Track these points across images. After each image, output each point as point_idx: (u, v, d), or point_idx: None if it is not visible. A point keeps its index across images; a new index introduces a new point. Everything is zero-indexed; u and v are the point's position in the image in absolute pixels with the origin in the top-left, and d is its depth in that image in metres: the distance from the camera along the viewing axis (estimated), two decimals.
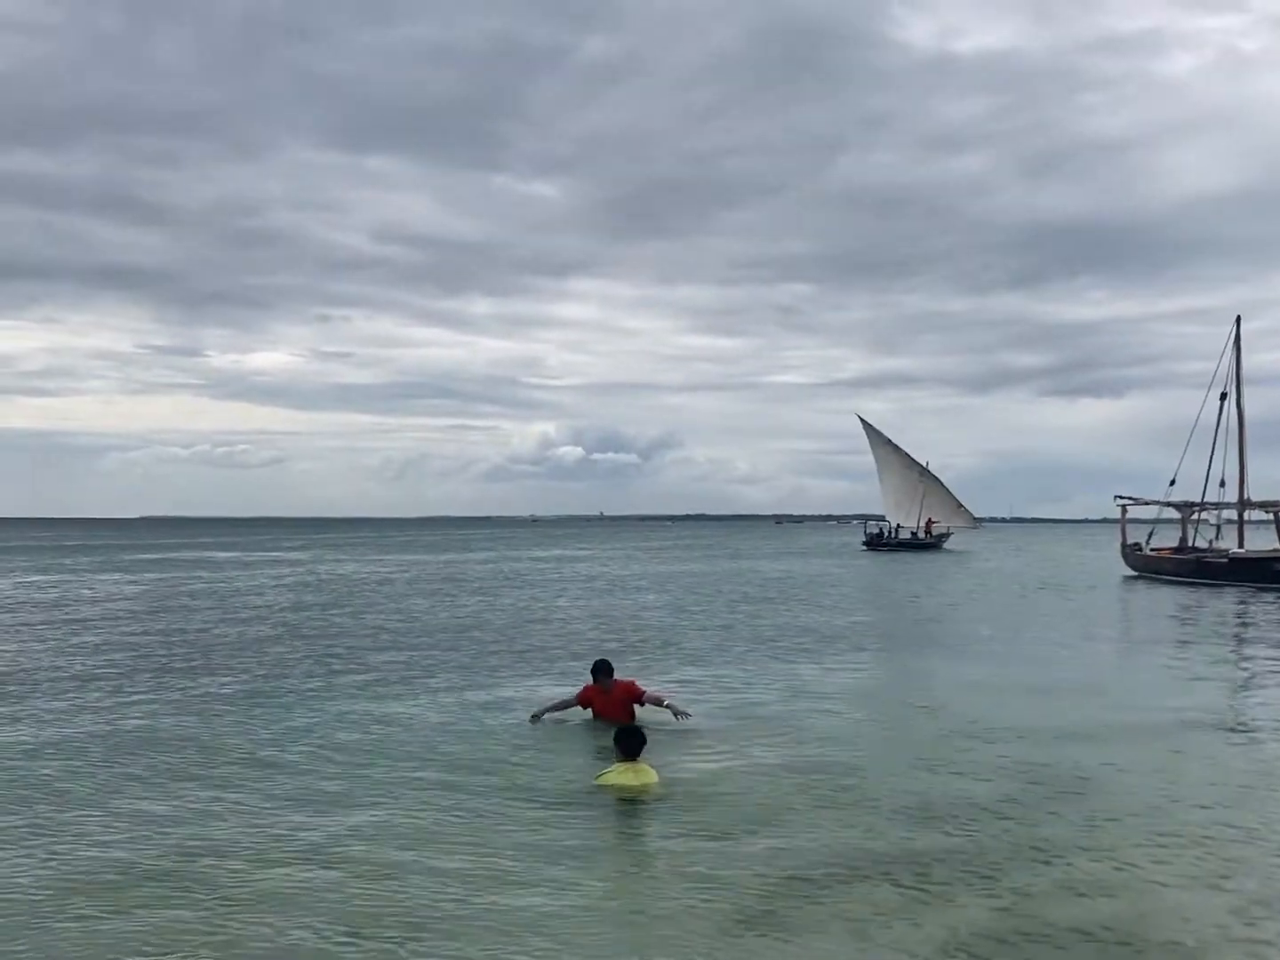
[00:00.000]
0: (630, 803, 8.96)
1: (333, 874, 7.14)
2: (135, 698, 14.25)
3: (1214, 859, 7.49)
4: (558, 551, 74.83)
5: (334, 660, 17.97)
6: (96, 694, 14.53)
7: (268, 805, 8.88)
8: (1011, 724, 12.02)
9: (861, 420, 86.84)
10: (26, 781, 9.72)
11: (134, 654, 18.91)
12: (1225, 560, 38.53)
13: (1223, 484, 40.95)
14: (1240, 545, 40.38)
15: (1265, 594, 32.91)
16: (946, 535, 79.59)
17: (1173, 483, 43.42)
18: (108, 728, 12.15)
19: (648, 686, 12.44)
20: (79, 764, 10.39)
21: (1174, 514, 45.31)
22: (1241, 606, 29.50)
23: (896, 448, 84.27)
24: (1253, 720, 13.19)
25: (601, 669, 12.24)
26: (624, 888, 7.04)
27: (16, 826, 8.29)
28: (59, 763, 10.44)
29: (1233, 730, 12.43)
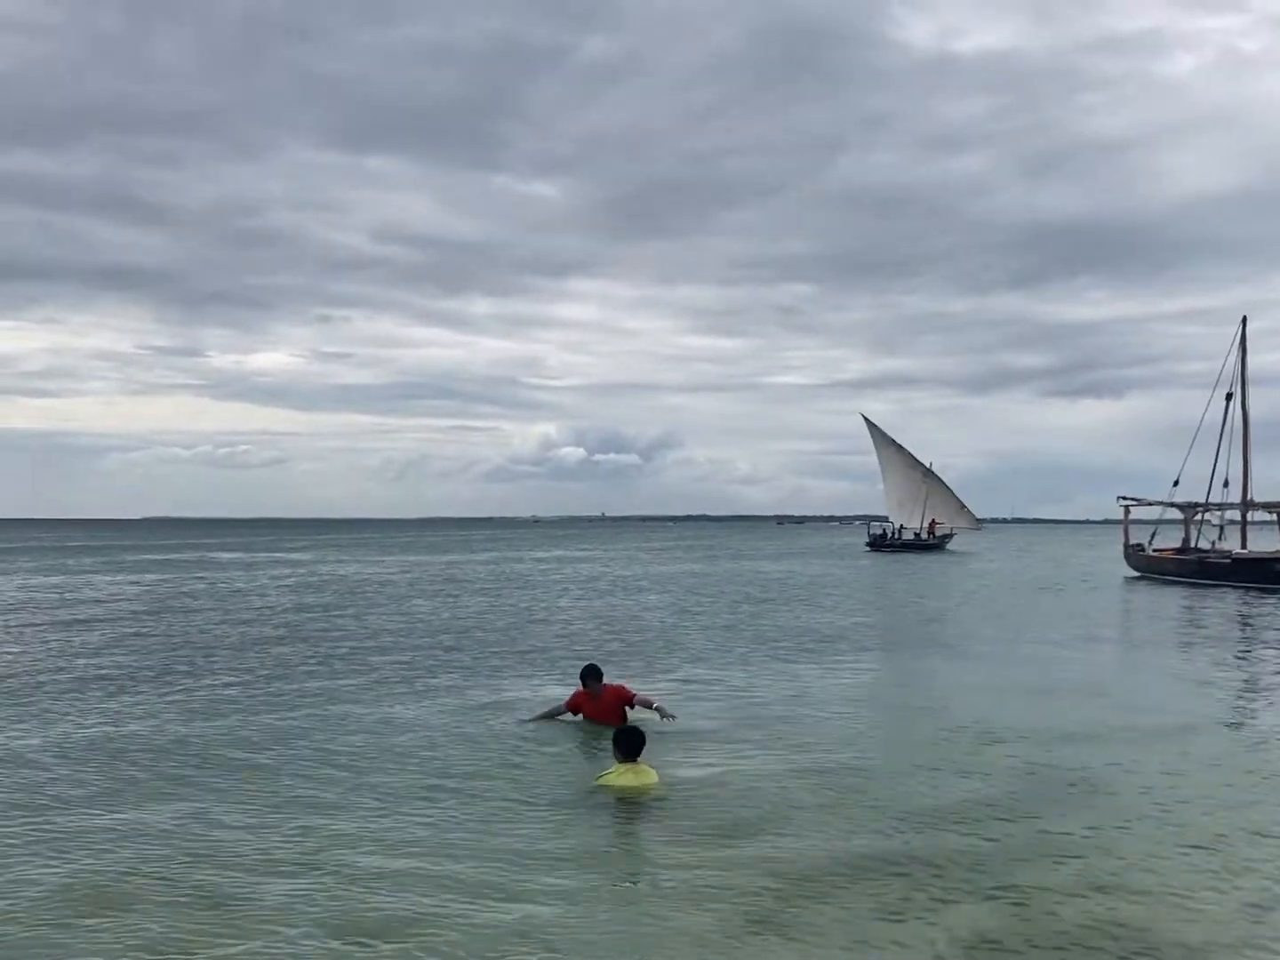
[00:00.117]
0: (631, 803, 8.93)
1: (334, 879, 7.11)
2: (137, 699, 14.23)
3: (1222, 859, 7.47)
4: (559, 552, 74.82)
5: (336, 661, 17.96)
6: (99, 695, 14.52)
7: (270, 810, 8.85)
8: (1015, 725, 11.99)
9: (865, 420, 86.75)
10: (29, 784, 9.70)
11: (136, 655, 18.90)
12: (1228, 561, 38.47)
13: (1226, 484, 40.93)
14: (1243, 546, 40.33)
15: (1268, 595, 32.85)
16: (950, 536, 79.54)
17: (1176, 483, 43.42)
18: (110, 731, 12.13)
19: (637, 690, 12.41)
20: (81, 767, 10.38)
21: (1177, 514, 45.25)
22: (1244, 607, 29.45)
23: (900, 448, 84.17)
24: (1258, 721, 13.17)
25: (591, 674, 12.19)
26: (626, 889, 7.02)
27: (19, 830, 8.27)
28: (61, 766, 10.42)
29: (1238, 731, 12.40)
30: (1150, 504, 46.46)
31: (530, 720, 12.30)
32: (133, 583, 40.14)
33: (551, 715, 12.32)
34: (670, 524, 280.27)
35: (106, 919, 6.45)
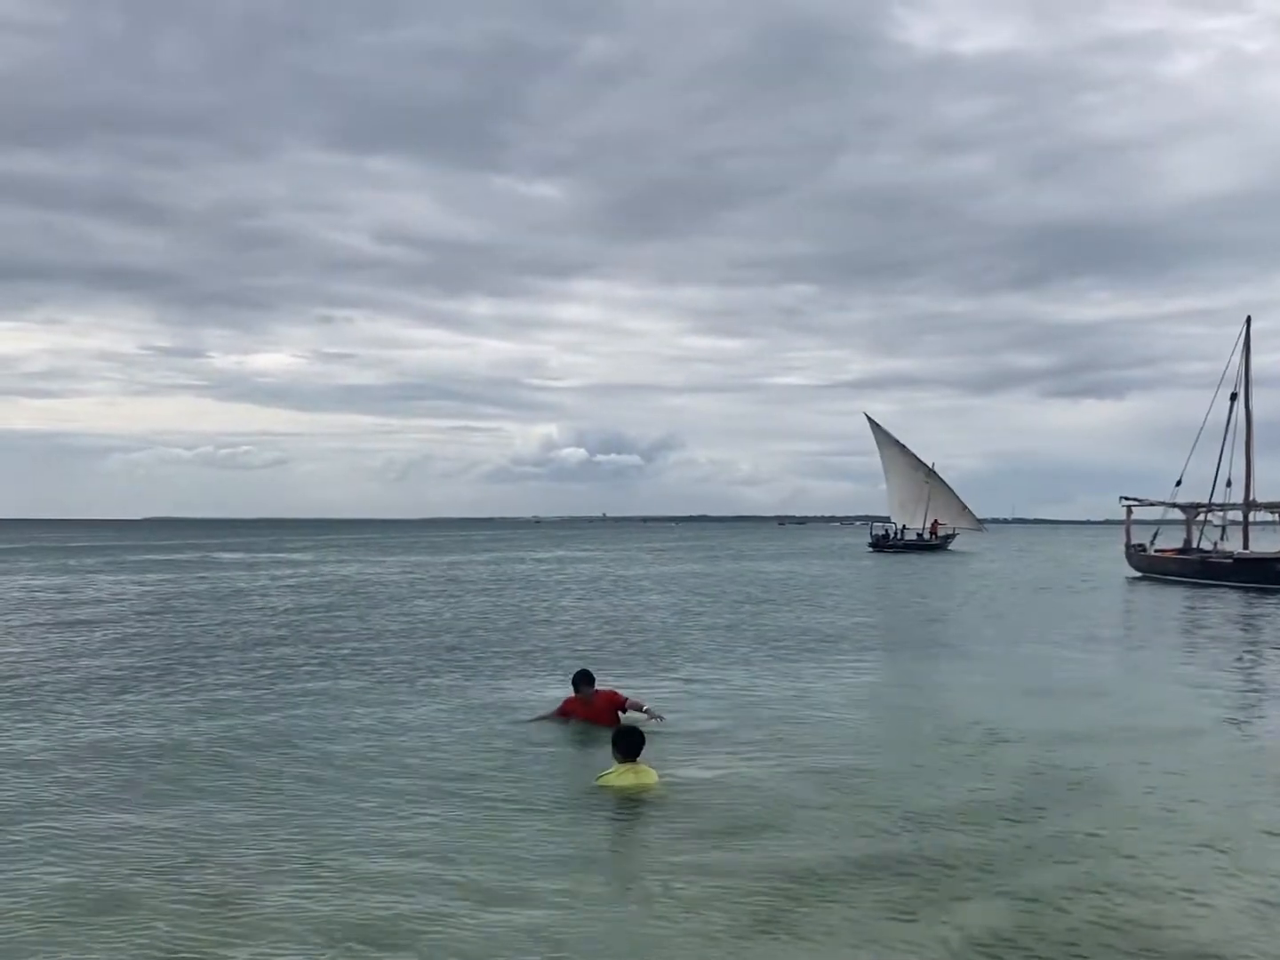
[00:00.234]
0: (633, 804, 8.92)
1: (337, 880, 7.10)
2: (140, 700, 14.24)
3: (1229, 858, 7.46)
4: (561, 552, 74.80)
5: (338, 662, 17.96)
6: (102, 696, 14.52)
7: (273, 810, 8.86)
8: (1019, 726, 11.96)
9: (869, 419, 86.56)
10: (32, 785, 9.70)
11: (139, 656, 18.90)
12: (1230, 561, 38.44)
13: (1229, 484, 40.88)
14: (1245, 546, 40.29)
15: (1270, 595, 32.82)
16: (952, 536, 79.47)
17: (1179, 483, 43.36)
18: (113, 731, 12.13)
19: (628, 694, 12.40)
20: (84, 768, 10.37)
21: (1178, 515, 45.21)
22: (1246, 608, 29.42)
23: (904, 448, 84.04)
24: (1261, 721, 13.15)
25: (583, 679, 12.25)
26: (631, 890, 7.00)
27: (23, 831, 8.27)
28: (64, 767, 10.42)
29: (1241, 732, 12.37)
30: (1153, 504, 46.41)
31: (526, 722, 12.32)
32: (135, 583, 40.15)
33: (543, 721, 12.33)
34: (673, 524, 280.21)
35: (111, 921, 6.44)
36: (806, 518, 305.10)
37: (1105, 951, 5.97)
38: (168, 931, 6.26)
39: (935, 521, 79.06)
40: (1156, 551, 44.96)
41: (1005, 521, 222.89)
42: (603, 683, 12.73)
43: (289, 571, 48.23)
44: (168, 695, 14.54)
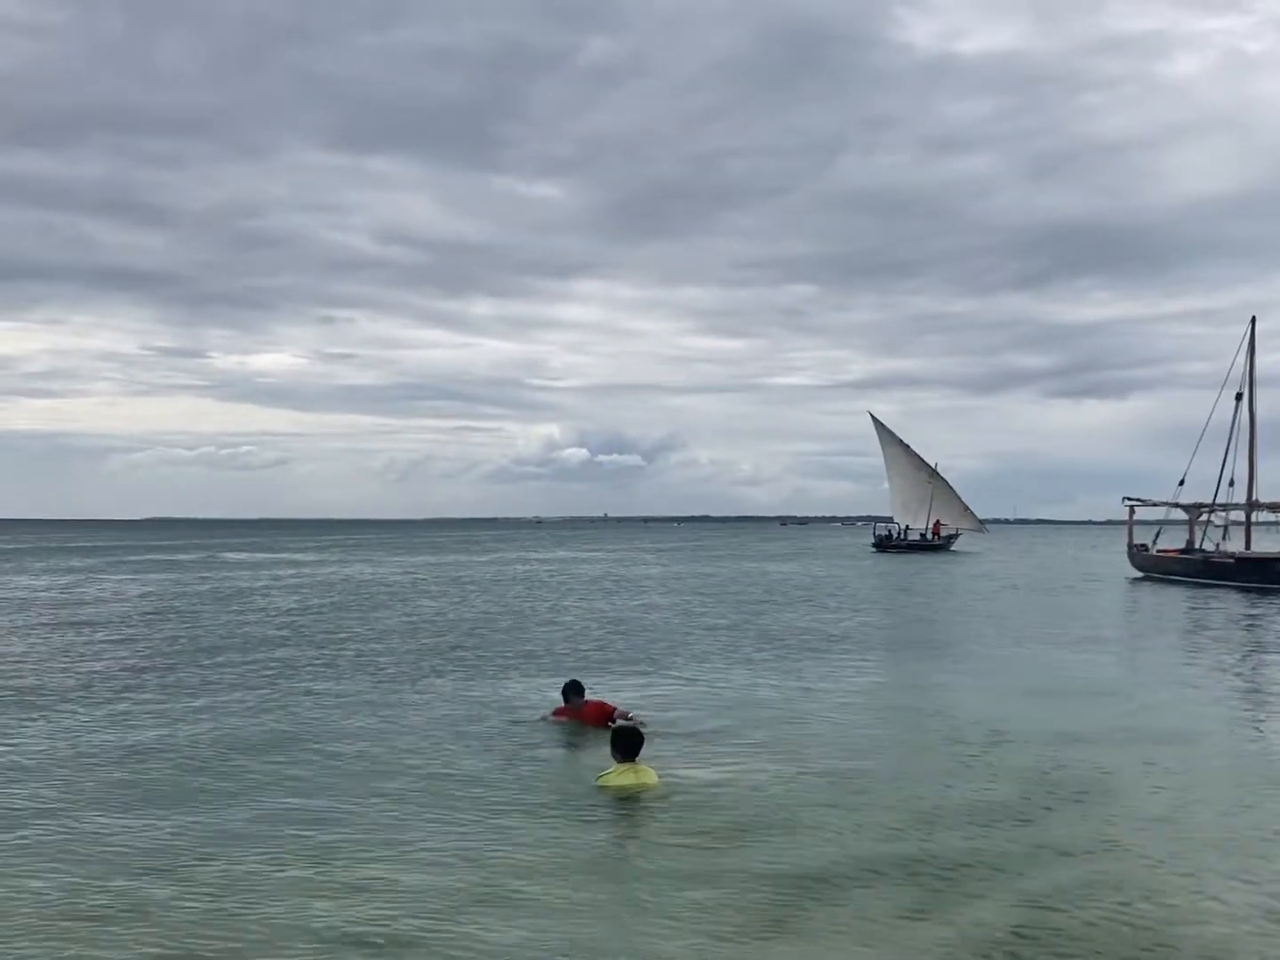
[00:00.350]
0: (634, 804, 8.91)
1: (338, 883, 7.09)
2: (143, 702, 14.23)
3: (1235, 860, 7.44)
4: (563, 553, 74.80)
5: (341, 663, 17.95)
6: (105, 696, 14.51)
7: (276, 810, 8.86)
8: (1024, 727, 11.94)
9: (873, 418, 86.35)
10: (35, 787, 9.70)
11: (142, 656, 18.90)
12: (1232, 561, 38.40)
13: (1232, 484, 40.82)
14: (1247, 546, 40.24)
15: (1272, 595, 32.78)
16: (955, 536, 79.37)
17: (1181, 483, 43.29)
18: (116, 732, 12.13)
19: (617, 703, 12.40)
20: (87, 770, 10.38)
21: (1181, 515, 45.16)
22: (1248, 608, 29.39)
23: (907, 447, 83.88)
24: (1267, 722, 13.11)
25: (572, 689, 12.33)
26: (629, 891, 6.97)
27: (28, 833, 8.27)
28: (67, 769, 10.43)
29: (1246, 733, 12.35)
30: (1156, 504, 46.36)
31: (526, 723, 12.31)
32: (137, 583, 40.17)
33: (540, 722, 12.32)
34: (676, 524, 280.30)
35: (113, 922, 6.43)
36: (808, 518, 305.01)
37: (1114, 952, 5.95)
38: (169, 934, 6.25)
39: (938, 522, 78.97)
40: (1159, 551, 44.94)
41: (1007, 522, 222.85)
42: (604, 682, 12.74)
43: (291, 572, 48.24)
44: (170, 696, 14.53)
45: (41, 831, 8.21)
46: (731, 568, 53.57)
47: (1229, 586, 36.49)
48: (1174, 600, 32.80)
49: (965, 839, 7.87)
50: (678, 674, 16.39)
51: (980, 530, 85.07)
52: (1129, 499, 46.94)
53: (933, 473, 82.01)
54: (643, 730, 11.53)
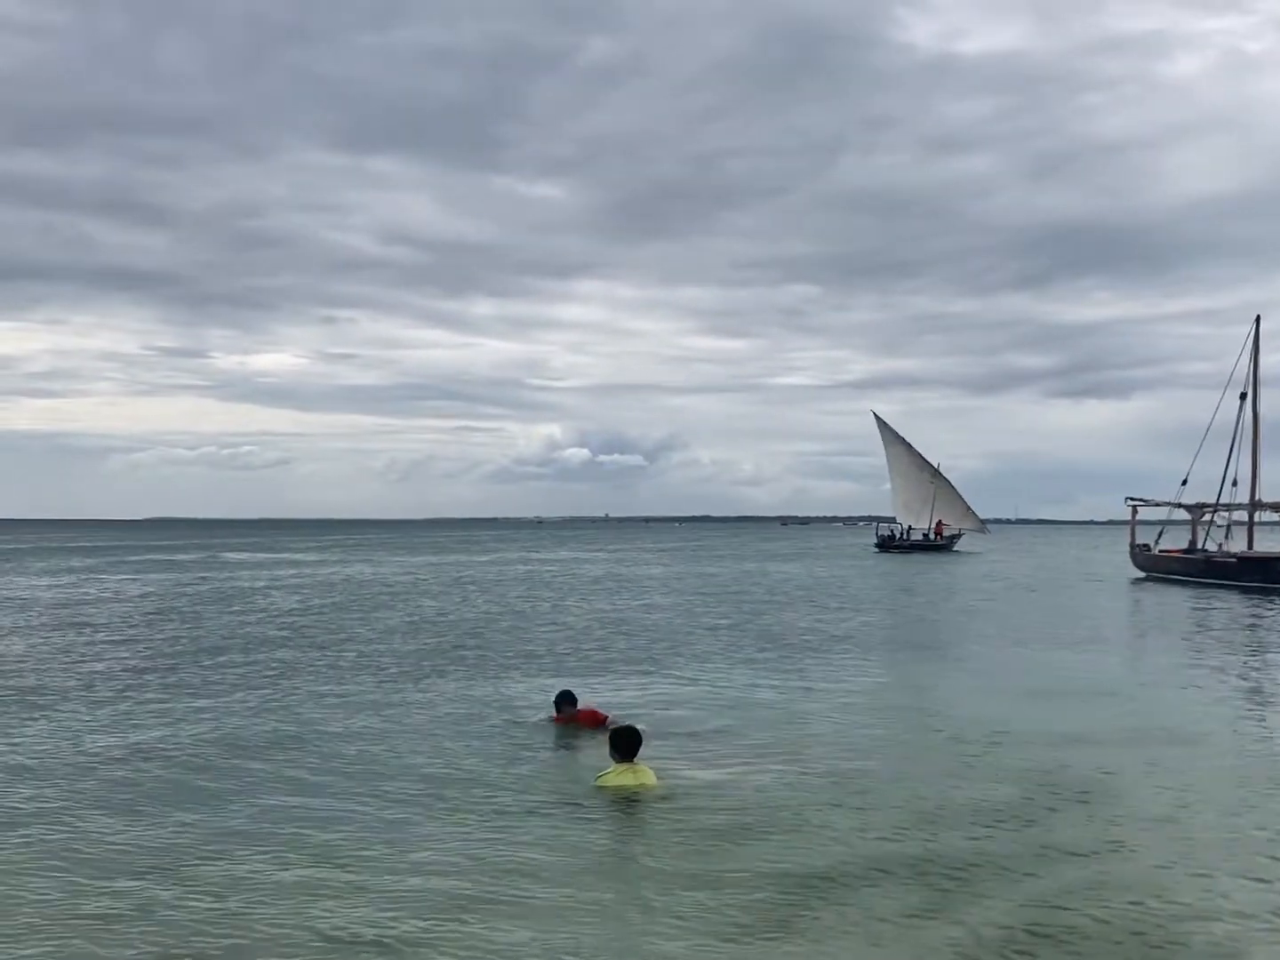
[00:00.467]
0: (632, 804, 8.88)
1: (335, 874, 7.09)
2: (145, 702, 14.22)
3: (1240, 859, 7.41)
4: (564, 553, 74.81)
5: (343, 663, 17.94)
6: (107, 696, 14.51)
7: (276, 814, 8.85)
8: (1027, 728, 11.92)
9: (876, 417, 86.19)
10: (38, 785, 9.69)
11: (144, 656, 18.89)
12: (1234, 561, 38.36)
13: (1235, 483, 40.76)
14: (1249, 546, 40.19)
15: (1274, 595, 32.73)
16: (957, 537, 79.32)
17: (1185, 482, 43.24)
18: (118, 734, 12.11)
19: (609, 712, 12.36)
20: (88, 770, 10.37)
21: (1183, 515, 45.11)
22: (1251, 608, 29.35)
23: (909, 447, 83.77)
24: (1268, 721, 13.07)
25: (564, 699, 12.30)
26: (629, 890, 6.95)
27: (26, 835, 8.25)
28: (69, 769, 10.43)
29: (1251, 733, 12.30)
30: (1159, 504, 46.32)
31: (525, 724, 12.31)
32: (138, 583, 40.17)
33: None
34: (677, 524, 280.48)
35: (116, 924, 6.42)
36: (809, 518, 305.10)
37: (1123, 952, 5.93)
38: (172, 934, 6.23)
39: (939, 522, 78.94)
40: (1161, 552, 44.90)
41: (1008, 522, 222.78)
42: (606, 682, 12.71)
43: (292, 572, 48.24)
44: (172, 696, 14.51)
45: (43, 831, 8.20)
46: (733, 568, 53.55)
47: (1231, 586, 36.44)
48: (1176, 600, 32.76)
49: (970, 839, 7.84)
50: (679, 674, 16.37)
51: (982, 531, 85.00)
52: (1132, 499, 46.94)
53: (935, 473, 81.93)
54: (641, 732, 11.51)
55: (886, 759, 10.63)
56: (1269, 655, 19.57)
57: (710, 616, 26.43)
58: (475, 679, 16.00)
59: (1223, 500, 41.79)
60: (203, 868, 7.32)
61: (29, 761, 10.55)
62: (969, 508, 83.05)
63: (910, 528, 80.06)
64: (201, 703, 13.95)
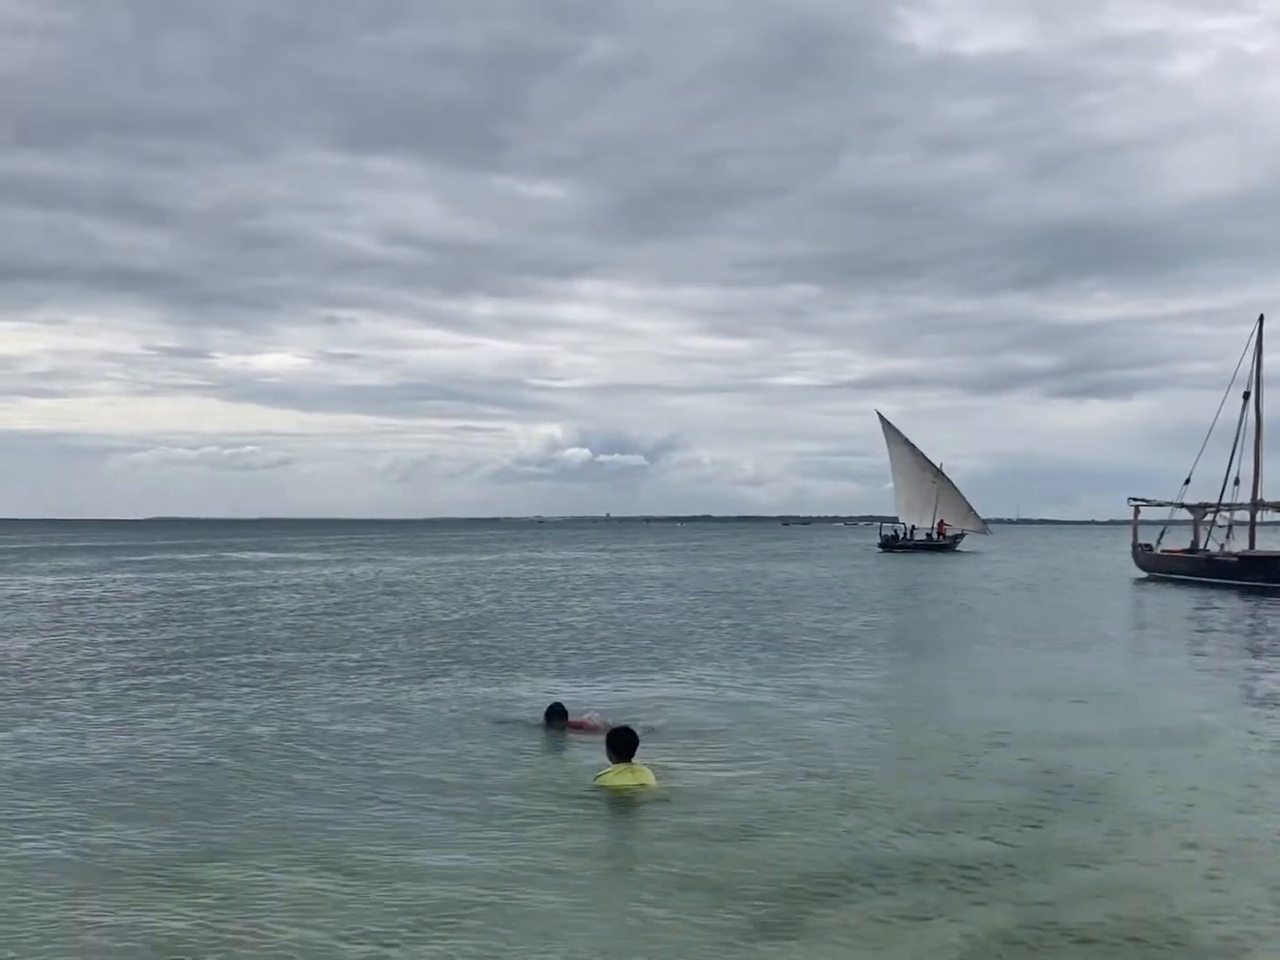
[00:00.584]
0: (633, 804, 8.89)
1: (337, 875, 7.10)
2: (147, 702, 14.22)
3: (1244, 860, 7.41)
4: (565, 553, 74.80)
5: (347, 662, 17.94)
6: (110, 695, 14.52)
7: (278, 814, 8.86)
8: (1029, 728, 11.90)
9: (880, 416, 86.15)
10: (41, 785, 9.70)
11: (148, 656, 18.89)
12: (1236, 560, 38.32)
13: (1237, 482, 40.71)
14: (1251, 546, 40.15)
15: (1276, 595, 32.70)
16: (960, 537, 79.32)
17: (1187, 481, 43.21)
18: (120, 734, 12.12)
19: (599, 721, 12.32)
20: (95, 765, 10.38)
21: (1185, 515, 45.07)
22: (1253, 607, 29.33)
23: (913, 447, 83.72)
24: (1271, 721, 13.05)
25: (555, 713, 12.25)
26: (629, 890, 6.95)
27: (30, 835, 8.26)
28: (76, 765, 10.44)
29: (1252, 732, 12.29)
30: (1161, 504, 46.28)
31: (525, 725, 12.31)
32: (141, 583, 40.18)
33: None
34: (679, 524, 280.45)
35: (125, 916, 6.43)
36: (811, 518, 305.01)
37: (1126, 953, 5.92)
38: (174, 935, 6.23)
39: (941, 522, 78.92)
40: (1163, 551, 44.86)
41: (1009, 522, 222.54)
42: (607, 681, 12.69)
43: (294, 572, 48.25)
44: (175, 696, 14.51)
45: (46, 835, 8.19)
46: (735, 568, 53.53)
47: (1233, 586, 36.42)
48: (1178, 600, 32.74)
49: (973, 840, 7.84)
50: (681, 674, 16.36)
51: (984, 531, 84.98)
52: (1134, 499, 46.92)
53: (937, 473, 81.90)
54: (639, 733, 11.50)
55: (887, 759, 10.62)
56: (1271, 655, 19.55)
57: (712, 616, 26.43)
58: (477, 679, 16.00)
59: (1225, 500, 41.76)
60: (204, 868, 7.31)
61: (31, 763, 10.55)
62: (971, 508, 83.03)
63: (913, 528, 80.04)
64: (204, 703, 13.95)
